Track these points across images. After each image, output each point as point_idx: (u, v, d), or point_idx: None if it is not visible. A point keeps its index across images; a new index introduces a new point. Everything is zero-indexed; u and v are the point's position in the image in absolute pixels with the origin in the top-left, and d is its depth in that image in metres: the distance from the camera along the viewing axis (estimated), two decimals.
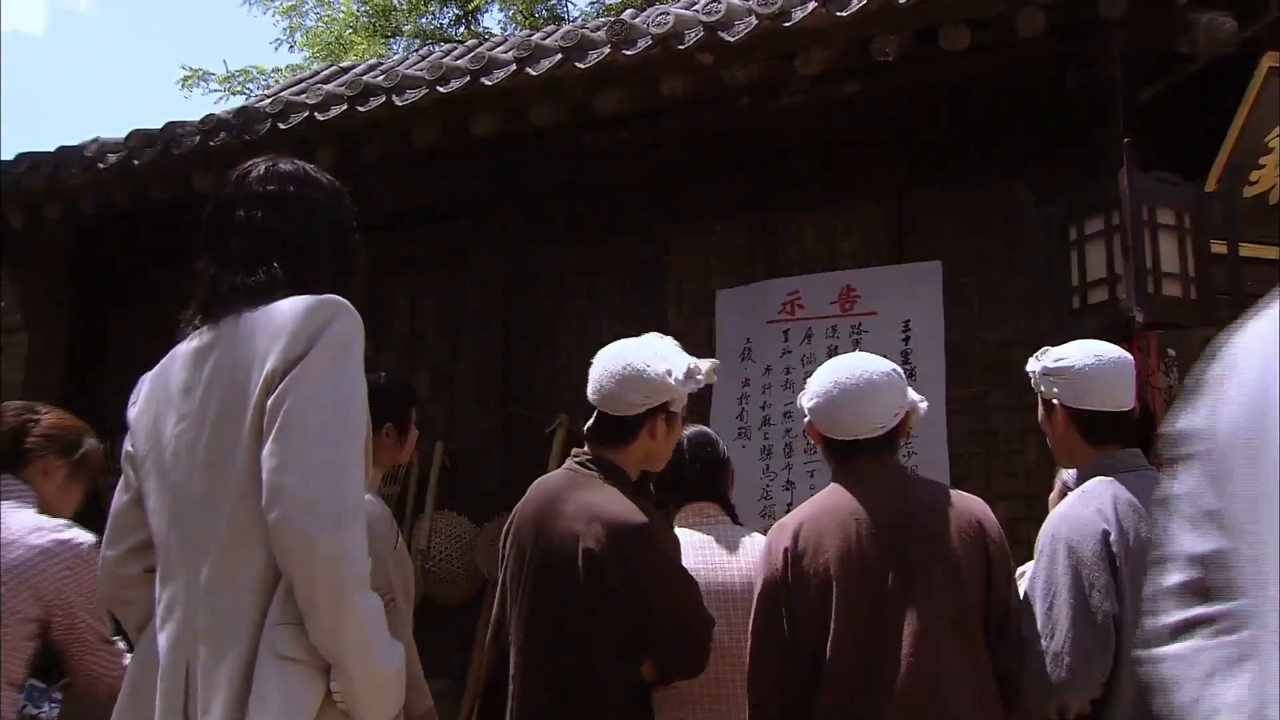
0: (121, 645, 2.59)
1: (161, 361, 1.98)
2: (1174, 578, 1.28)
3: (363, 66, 7.35)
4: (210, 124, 5.28)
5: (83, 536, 2.62)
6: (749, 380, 5.02)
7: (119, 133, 5.61)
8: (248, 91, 14.17)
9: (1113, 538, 2.39)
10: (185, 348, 1.92)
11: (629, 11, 6.19)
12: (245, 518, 1.75)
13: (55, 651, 2.64)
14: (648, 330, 2.70)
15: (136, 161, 5.42)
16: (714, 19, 4.30)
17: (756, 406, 4.99)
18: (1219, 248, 3.97)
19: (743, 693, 2.50)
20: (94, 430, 2.96)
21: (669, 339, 2.66)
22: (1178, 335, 4.15)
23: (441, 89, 4.78)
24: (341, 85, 5.24)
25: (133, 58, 39.92)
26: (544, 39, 4.88)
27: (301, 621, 1.72)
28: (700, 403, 4.58)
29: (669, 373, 2.53)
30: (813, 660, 2.38)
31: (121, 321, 6.38)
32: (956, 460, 4.55)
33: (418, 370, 5.68)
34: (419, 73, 4.93)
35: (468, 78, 4.75)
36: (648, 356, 2.57)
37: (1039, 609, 2.42)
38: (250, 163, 2.02)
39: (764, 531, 2.66)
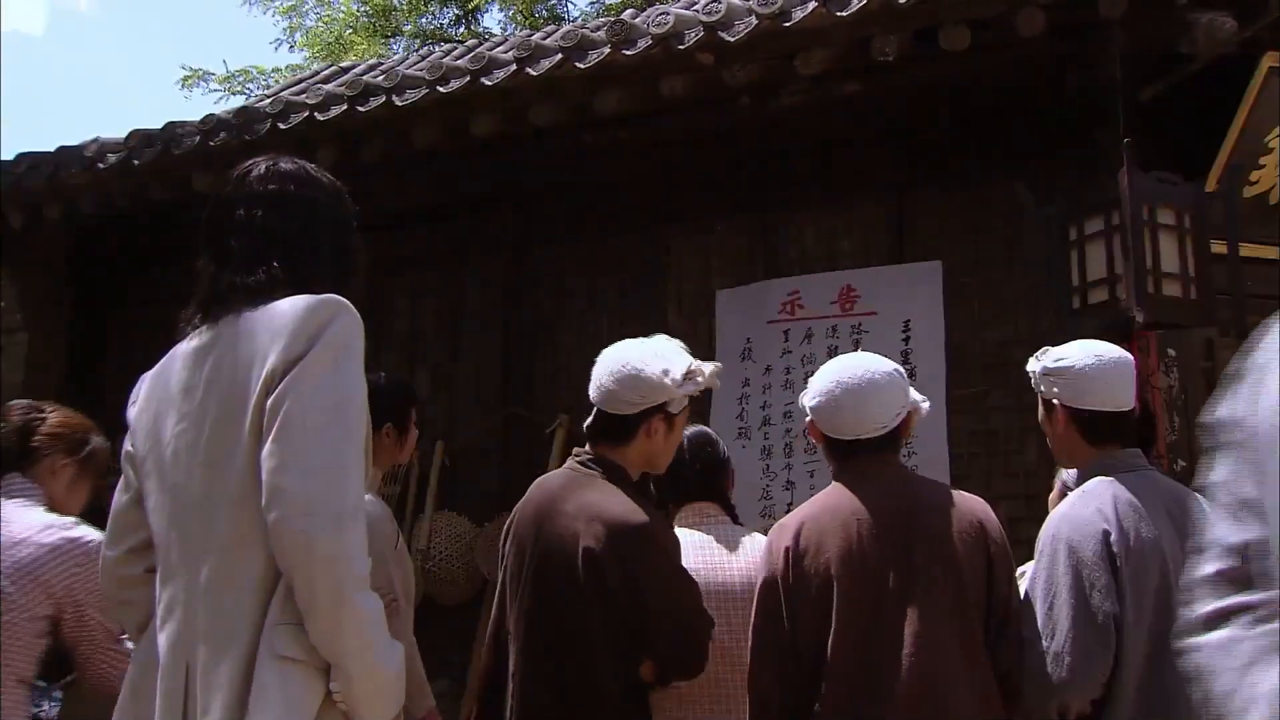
0: (130, 644, 2.59)
1: (161, 361, 1.97)
2: (1211, 566, 1.27)
3: (363, 66, 7.35)
4: (210, 124, 5.28)
5: (92, 534, 2.61)
6: (749, 380, 5.02)
7: (119, 133, 5.61)
8: (248, 91, 14.19)
9: (1113, 538, 2.38)
10: (185, 347, 1.92)
11: (629, 11, 6.18)
12: (245, 518, 1.75)
13: (60, 650, 2.64)
14: (648, 330, 2.70)
15: (136, 161, 5.42)
16: (714, 19, 4.30)
17: (756, 406, 4.99)
18: (1219, 248, 3.97)
19: (743, 693, 2.50)
20: None
21: (675, 341, 2.66)
22: (1178, 335, 4.14)
23: (441, 89, 4.78)
24: (341, 85, 5.23)
25: (133, 58, 39.97)
26: (544, 39, 4.87)
27: (301, 622, 1.72)
28: (700, 403, 4.56)
29: (666, 373, 2.53)
30: (813, 660, 2.37)
31: (121, 321, 6.38)
32: (956, 460, 4.55)
33: (418, 370, 5.68)
34: (419, 73, 4.93)
35: (468, 78, 4.75)
36: (647, 357, 2.57)
37: (1039, 609, 2.42)
38: (250, 162, 2.02)
39: (764, 531, 2.66)
